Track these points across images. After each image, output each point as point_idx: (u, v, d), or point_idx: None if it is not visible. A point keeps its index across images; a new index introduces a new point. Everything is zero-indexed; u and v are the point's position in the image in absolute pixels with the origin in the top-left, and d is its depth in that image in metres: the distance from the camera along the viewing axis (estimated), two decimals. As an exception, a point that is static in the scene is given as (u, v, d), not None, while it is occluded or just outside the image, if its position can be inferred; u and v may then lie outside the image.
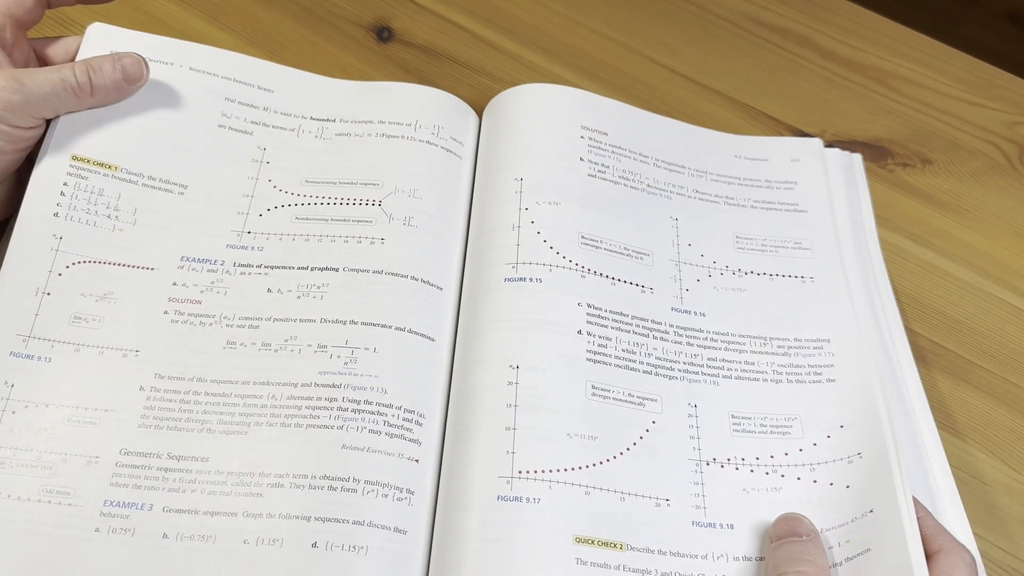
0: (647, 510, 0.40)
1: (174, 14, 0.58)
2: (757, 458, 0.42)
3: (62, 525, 0.37)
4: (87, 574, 0.36)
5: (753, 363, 0.45)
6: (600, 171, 0.49)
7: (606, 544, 0.38)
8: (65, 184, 0.43)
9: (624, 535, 0.39)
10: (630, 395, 0.42)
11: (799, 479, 0.41)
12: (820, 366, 0.45)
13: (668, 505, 0.40)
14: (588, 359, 0.43)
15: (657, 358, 0.44)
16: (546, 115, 0.51)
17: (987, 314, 0.51)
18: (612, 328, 0.44)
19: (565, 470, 0.39)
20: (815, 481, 0.41)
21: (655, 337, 0.45)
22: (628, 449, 0.41)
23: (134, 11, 0.58)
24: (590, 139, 0.50)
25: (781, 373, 0.45)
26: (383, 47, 0.59)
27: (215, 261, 0.44)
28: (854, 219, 0.51)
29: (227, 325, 0.43)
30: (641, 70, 0.60)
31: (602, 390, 0.42)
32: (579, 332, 0.43)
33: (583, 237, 0.46)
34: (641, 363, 0.44)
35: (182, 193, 0.45)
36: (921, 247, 0.53)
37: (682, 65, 0.61)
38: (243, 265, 0.44)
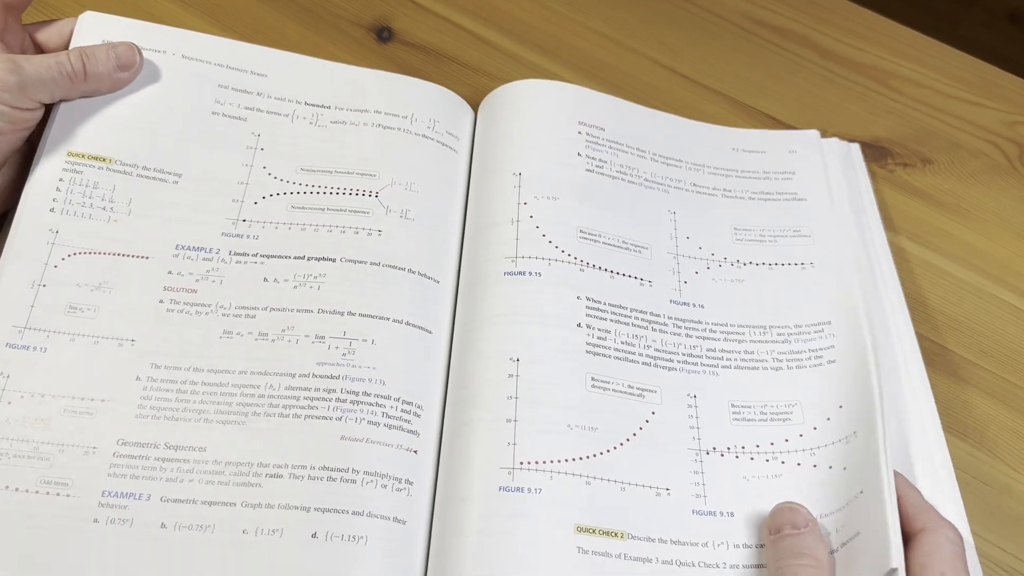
0: (647, 500, 0.40)
1: (174, 14, 0.58)
2: (757, 446, 0.42)
3: (60, 516, 0.37)
4: (85, 565, 0.36)
5: (753, 352, 0.45)
6: (598, 166, 0.49)
7: (607, 533, 0.38)
8: (60, 180, 0.44)
9: (625, 524, 0.39)
10: (630, 387, 0.43)
11: (799, 464, 0.42)
12: (821, 349, 0.45)
13: (668, 494, 0.40)
14: (588, 351, 0.43)
15: (656, 350, 0.44)
16: (543, 111, 0.51)
17: (987, 314, 0.51)
18: (611, 321, 0.44)
19: (566, 461, 0.40)
20: (815, 466, 0.41)
21: (654, 329, 0.45)
22: (628, 440, 0.41)
23: (134, 10, 0.58)
24: (587, 134, 0.51)
25: (781, 360, 0.45)
26: (383, 47, 0.59)
27: (210, 249, 0.44)
28: (855, 203, 0.51)
29: (223, 314, 0.43)
30: (641, 70, 0.60)
31: (602, 382, 0.42)
32: (578, 325, 0.43)
33: (581, 231, 0.46)
34: (640, 355, 0.44)
35: (176, 182, 0.45)
36: (921, 247, 0.53)
37: (682, 65, 0.61)
38: (239, 254, 0.44)
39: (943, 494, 0.42)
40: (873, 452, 0.39)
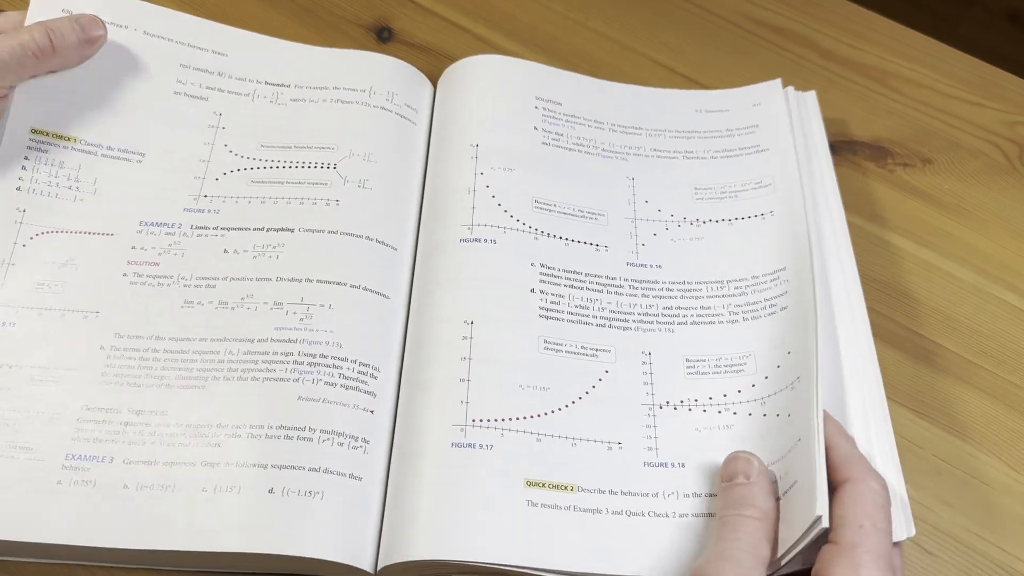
0: (599, 454, 0.41)
1: (174, 14, 0.58)
2: (710, 398, 0.43)
3: (24, 479, 0.38)
4: (51, 524, 0.37)
5: (709, 307, 0.46)
6: (554, 139, 0.51)
7: (557, 487, 0.40)
8: (26, 158, 0.45)
9: (575, 478, 0.40)
10: (583, 347, 0.44)
11: (750, 415, 0.42)
12: (775, 296, 0.46)
13: (620, 448, 0.41)
14: (541, 315, 0.44)
15: (611, 311, 0.45)
16: (500, 86, 0.53)
17: (987, 314, 0.51)
18: (565, 286, 0.46)
19: (517, 419, 0.41)
20: (764, 415, 0.42)
21: (609, 292, 0.46)
22: (580, 398, 0.42)
23: (134, 11, 0.58)
24: (544, 109, 0.52)
25: (737, 313, 0.46)
26: (383, 47, 0.59)
27: (172, 224, 0.45)
28: (810, 150, 0.52)
29: (184, 285, 0.44)
30: (641, 70, 0.60)
31: (554, 344, 0.44)
32: (532, 291, 0.45)
33: (536, 201, 0.48)
34: (594, 317, 0.45)
35: (140, 161, 0.46)
36: (921, 247, 0.53)
37: (682, 65, 0.61)
38: (200, 227, 0.46)
39: (878, 446, 0.41)
40: (810, 398, 0.39)
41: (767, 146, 0.52)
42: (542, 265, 0.46)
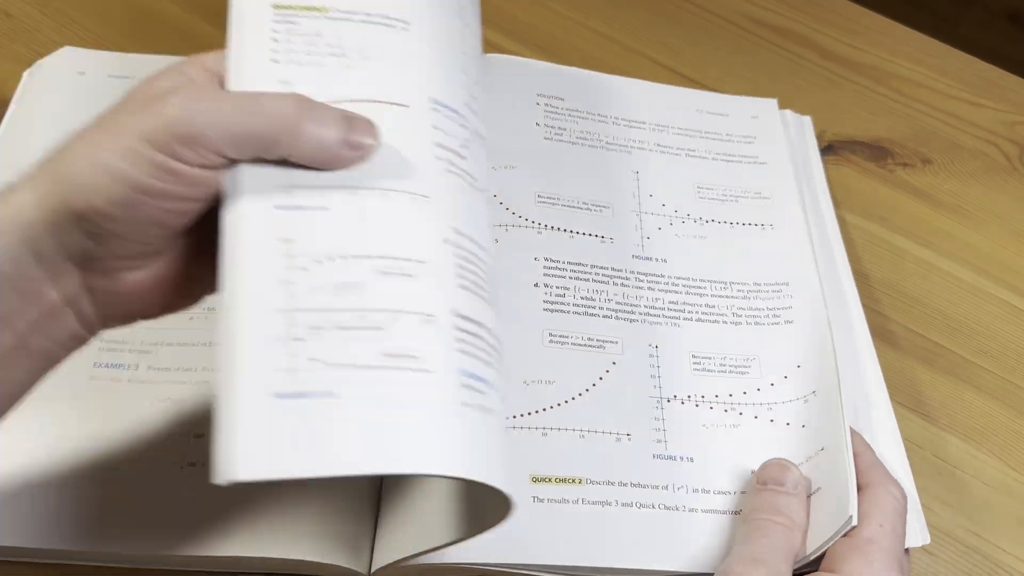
0: (607, 445, 0.41)
1: (176, 14, 0.58)
2: (716, 396, 0.43)
3: (417, 401, 0.29)
4: (449, 449, 0.29)
5: (714, 306, 0.46)
6: (557, 134, 0.51)
7: (564, 480, 0.39)
8: (275, 31, 0.36)
9: (583, 470, 0.40)
10: (589, 339, 0.44)
11: (756, 417, 0.42)
12: (779, 308, 0.46)
13: (629, 440, 0.41)
14: (545, 309, 0.44)
15: (618, 303, 0.45)
16: (500, 84, 0.53)
17: (987, 314, 0.51)
18: (570, 278, 0.45)
19: (522, 415, 0.41)
20: (772, 420, 0.42)
21: (616, 283, 0.46)
22: (587, 390, 0.42)
23: (131, 9, 0.58)
24: (546, 105, 0.53)
25: (740, 315, 0.46)
26: (383, 47, 0.59)
27: (464, 116, 0.36)
28: (807, 174, 0.53)
29: (484, 192, 0.36)
30: (641, 70, 0.60)
31: (559, 337, 0.43)
32: (535, 285, 0.45)
33: (539, 196, 0.48)
34: (601, 309, 0.45)
35: (406, 29, 0.37)
36: (921, 247, 0.53)
37: (682, 65, 0.61)
38: (481, 135, 0.38)
39: (890, 457, 0.42)
40: (835, 411, 0.40)
41: (765, 160, 0.53)
42: (546, 259, 0.46)
